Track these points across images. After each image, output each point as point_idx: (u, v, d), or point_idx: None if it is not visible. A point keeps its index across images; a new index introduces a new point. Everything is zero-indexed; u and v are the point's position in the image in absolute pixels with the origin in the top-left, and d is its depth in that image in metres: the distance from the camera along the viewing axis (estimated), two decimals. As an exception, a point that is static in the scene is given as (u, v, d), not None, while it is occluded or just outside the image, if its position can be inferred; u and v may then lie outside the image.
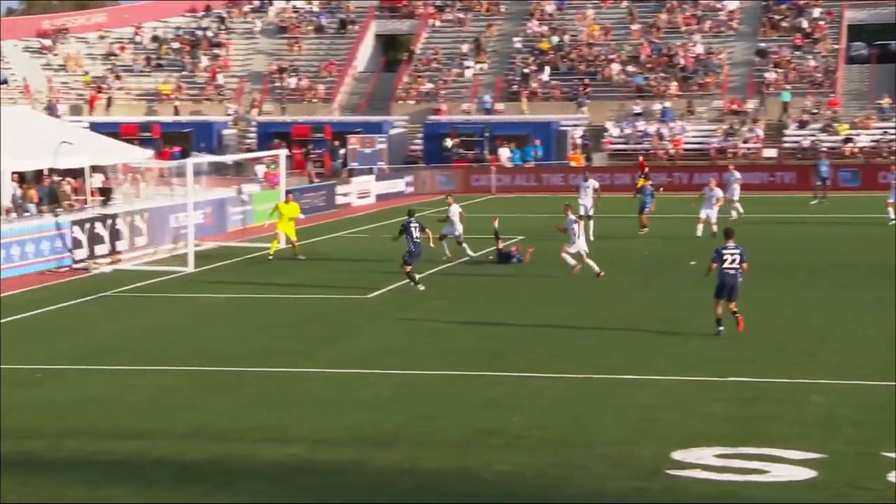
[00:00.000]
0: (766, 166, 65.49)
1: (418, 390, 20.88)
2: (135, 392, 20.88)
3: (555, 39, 77.74)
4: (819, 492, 15.03)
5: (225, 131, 73.23)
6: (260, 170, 60.14)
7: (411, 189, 63.86)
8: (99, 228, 38.93)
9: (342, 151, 68.14)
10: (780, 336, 25.12)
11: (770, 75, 72.32)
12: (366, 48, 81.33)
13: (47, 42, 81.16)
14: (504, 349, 24.23)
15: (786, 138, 69.02)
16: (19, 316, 29.00)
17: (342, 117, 74.58)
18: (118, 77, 79.37)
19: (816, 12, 76.91)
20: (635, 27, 77.91)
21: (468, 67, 76.86)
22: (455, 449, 17.12)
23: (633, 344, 24.49)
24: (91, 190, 43.51)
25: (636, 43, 76.89)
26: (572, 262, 33.65)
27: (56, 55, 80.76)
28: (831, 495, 14.92)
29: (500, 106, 73.35)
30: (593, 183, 43.34)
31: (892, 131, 67.41)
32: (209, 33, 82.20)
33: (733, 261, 24.66)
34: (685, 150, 69.27)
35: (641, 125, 70.62)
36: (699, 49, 75.33)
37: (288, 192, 41.09)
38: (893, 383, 20.39)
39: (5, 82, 77.15)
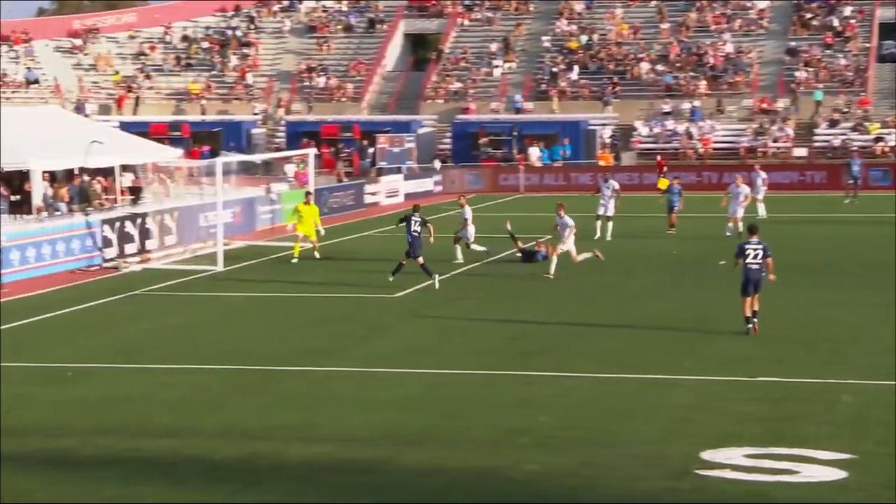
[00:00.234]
0: (797, 166, 65.24)
1: (447, 389, 20.86)
2: (165, 390, 20.95)
3: (584, 38, 77.60)
4: (850, 493, 14.95)
5: (254, 130, 73.39)
6: (290, 169, 60.25)
7: (440, 188, 63.86)
8: (129, 227, 39.09)
9: (371, 151, 68.20)
10: (809, 336, 25.03)
11: (800, 74, 71.99)
12: (394, 47, 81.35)
13: (78, 42, 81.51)
14: (533, 348, 24.21)
15: (816, 137, 68.73)
16: (50, 314, 29.13)
17: (371, 116, 74.65)
18: (148, 77, 79.66)
19: (847, 10, 76.51)
20: (664, 26, 77.71)
21: (497, 67, 76.80)
22: (484, 448, 17.10)
23: (662, 343, 24.43)
24: (121, 189, 43.68)
25: (665, 42, 76.68)
26: (586, 255, 33.60)
27: (87, 55, 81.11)
28: (863, 496, 14.84)
29: (528, 105, 73.27)
30: (613, 184, 43.19)
31: (924, 130, 67.05)
32: (238, 33, 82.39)
33: (755, 256, 24.74)
34: (714, 149, 69.06)
35: (670, 124, 70.42)
36: (729, 48, 75.05)
37: (308, 193, 41.06)
38: (925, 384, 20.29)
39: (36, 82, 77.56)
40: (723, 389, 20.48)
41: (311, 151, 50.28)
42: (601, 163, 66.89)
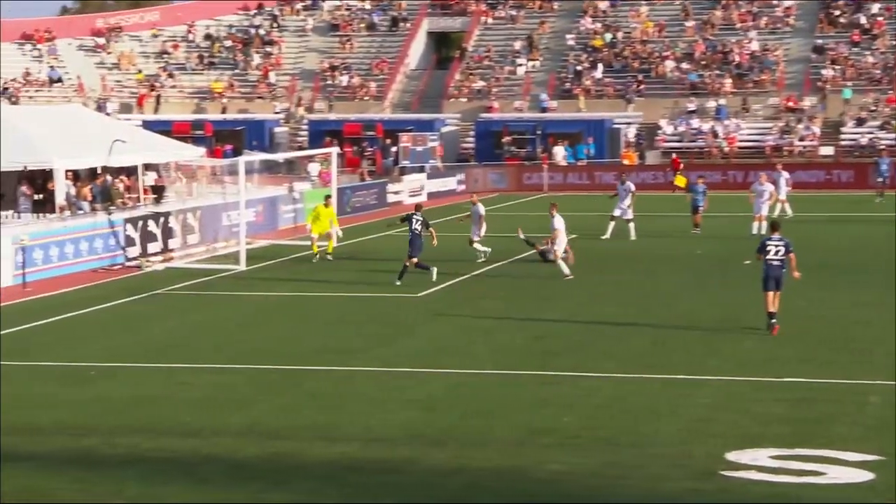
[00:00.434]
0: (823, 164, 64.88)
1: (471, 389, 20.78)
2: (188, 390, 20.93)
3: (608, 37, 77.39)
4: (878, 494, 14.81)
5: (277, 129, 73.43)
6: (314, 168, 60.22)
7: (463, 187, 63.76)
8: (151, 226, 39.13)
9: (393, 149, 68.15)
10: (836, 336, 24.86)
11: (827, 72, 71.62)
12: (418, 45, 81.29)
13: (101, 40, 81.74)
14: (557, 348, 24.12)
15: (843, 136, 68.38)
16: (73, 314, 29.16)
17: (394, 115, 74.61)
18: (171, 75, 79.82)
19: (875, 8, 76.03)
20: (689, 24, 77.43)
21: (520, 65, 76.64)
22: (508, 448, 17.02)
23: (686, 343, 24.30)
24: (144, 188, 43.73)
25: (690, 40, 76.41)
26: (566, 270, 33.18)
27: (110, 53, 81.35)
28: (891, 498, 14.69)
29: (552, 103, 73.11)
30: (630, 185, 42.96)
31: (951, 129, 66.64)
32: (261, 31, 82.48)
33: (777, 252, 24.72)
34: (740, 148, 68.77)
35: (696, 123, 70.16)
36: (755, 46, 74.73)
37: (327, 196, 41.00)
38: (953, 384, 20.11)
39: (60, 80, 77.82)
40: (748, 389, 20.34)
41: (335, 150, 50.21)
42: (625, 162, 66.67)
